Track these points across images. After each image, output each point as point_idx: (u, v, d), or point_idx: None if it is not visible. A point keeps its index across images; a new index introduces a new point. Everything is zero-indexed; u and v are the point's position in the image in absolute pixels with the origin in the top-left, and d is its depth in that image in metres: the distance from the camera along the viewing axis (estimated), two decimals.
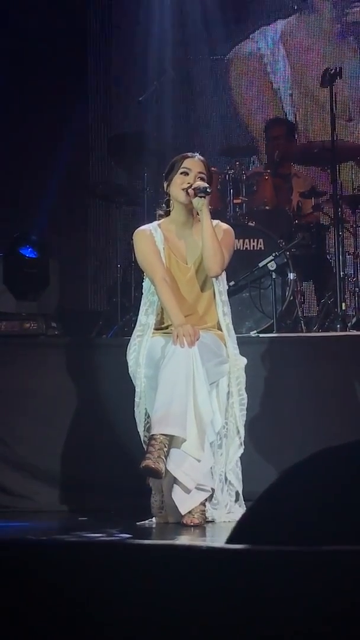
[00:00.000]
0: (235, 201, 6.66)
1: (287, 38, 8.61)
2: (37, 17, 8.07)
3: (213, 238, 4.56)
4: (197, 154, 4.73)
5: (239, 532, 1.47)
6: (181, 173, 4.62)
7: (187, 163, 4.64)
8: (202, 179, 4.61)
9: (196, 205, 4.57)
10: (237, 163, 6.85)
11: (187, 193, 4.57)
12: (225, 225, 4.76)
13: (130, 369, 4.57)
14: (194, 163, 4.65)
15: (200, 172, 4.62)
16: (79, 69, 8.65)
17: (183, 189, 4.59)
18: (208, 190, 4.55)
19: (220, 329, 4.62)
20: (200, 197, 4.53)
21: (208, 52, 8.46)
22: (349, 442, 1.48)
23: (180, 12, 8.41)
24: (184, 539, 4.07)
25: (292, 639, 1.24)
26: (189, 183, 4.59)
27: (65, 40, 8.40)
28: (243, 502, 4.56)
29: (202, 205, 4.54)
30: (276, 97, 8.64)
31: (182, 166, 4.63)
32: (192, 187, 4.56)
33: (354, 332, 5.82)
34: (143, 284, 4.75)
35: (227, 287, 4.77)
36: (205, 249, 4.57)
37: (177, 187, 4.61)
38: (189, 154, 4.73)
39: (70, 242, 8.22)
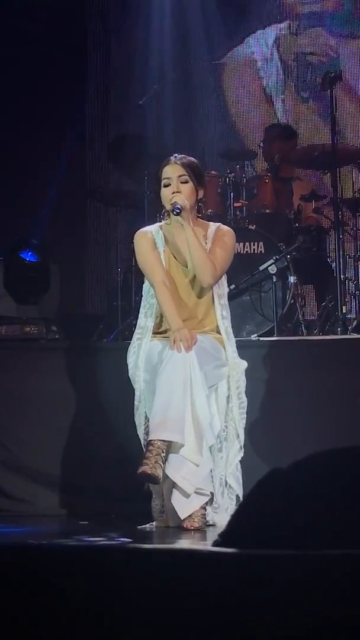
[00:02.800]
0: (235, 204, 6.66)
1: (281, 42, 8.61)
2: (37, 20, 8.07)
3: (198, 250, 4.51)
4: (177, 156, 4.62)
5: (225, 536, 1.47)
6: (164, 186, 4.58)
7: (165, 172, 4.57)
8: (185, 181, 4.56)
9: (176, 221, 4.54)
10: (238, 166, 6.84)
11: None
12: (225, 229, 4.73)
13: (129, 372, 4.57)
14: (172, 169, 4.57)
15: (180, 176, 4.55)
16: (78, 72, 8.65)
17: (170, 204, 4.54)
18: (177, 208, 4.47)
19: (219, 332, 4.61)
20: (176, 214, 4.49)
21: (208, 56, 8.45)
22: (337, 449, 1.48)
23: (180, 16, 8.41)
24: (184, 543, 4.07)
25: None
26: (173, 193, 4.54)
27: (64, 44, 8.40)
28: None
29: (181, 220, 4.51)
30: (269, 102, 8.63)
31: (162, 177, 4.58)
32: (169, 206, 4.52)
33: (355, 336, 5.81)
34: (143, 286, 4.74)
35: (227, 291, 4.75)
36: (193, 262, 4.54)
37: (165, 200, 4.57)
38: (170, 158, 4.62)
39: (71, 246, 8.22)
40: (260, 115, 8.56)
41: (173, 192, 4.53)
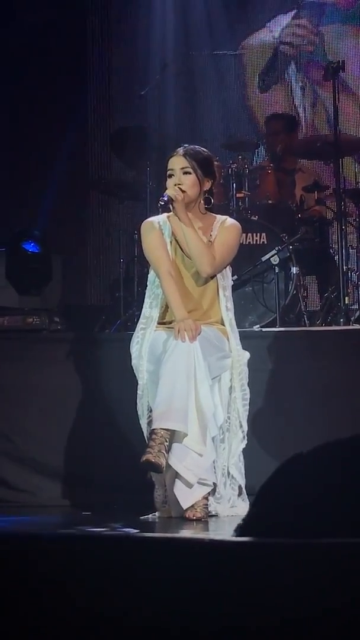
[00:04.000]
0: (238, 195, 6.65)
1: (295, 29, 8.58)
2: (37, 11, 8.05)
3: (194, 239, 4.51)
4: (183, 147, 4.61)
5: (244, 527, 1.47)
6: (168, 176, 4.59)
7: (170, 163, 4.59)
8: (187, 172, 4.54)
9: (169, 213, 4.54)
10: (240, 157, 6.83)
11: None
12: (230, 222, 4.71)
13: (133, 362, 4.57)
14: (176, 161, 4.58)
15: (183, 168, 4.55)
16: (80, 62, 8.63)
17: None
18: (163, 200, 4.47)
19: (223, 324, 4.61)
20: (164, 207, 4.47)
21: (210, 46, 8.43)
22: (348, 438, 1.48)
23: (182, 6, 8.39)
24: (186, 533, 4.07)
25: (291, 630, 1.23)
26: (175, 185, 4.53)
27: (65, 34, 8.38)
28: (246, 496, 4.56)
29: (176, 212, 4.51)
30: (287, 90, 8.62)
31: (168, 168, 4.60)
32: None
33: (357, 326, 5.80)
34: (148, 276, 4.73)
35: (231, 283, 4.75)
36: (190, 251, 4.54)
37: (170, 190, 4.57)
38: (178, 149, 4.62)
39: (73, 237, 8.22)
40: (277, 103, 8.54)
41: (175, 184, 4.53)
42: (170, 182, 4.56)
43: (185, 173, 4.55)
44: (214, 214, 4.74)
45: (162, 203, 4.47)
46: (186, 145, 4.66)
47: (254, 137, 7.85)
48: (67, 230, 8.01)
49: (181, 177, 4.54)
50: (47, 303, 6.18)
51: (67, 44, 8.42)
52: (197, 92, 8.54)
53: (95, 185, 8.00)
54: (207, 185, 4.63)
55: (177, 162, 4.57)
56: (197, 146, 4.69)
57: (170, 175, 4.57)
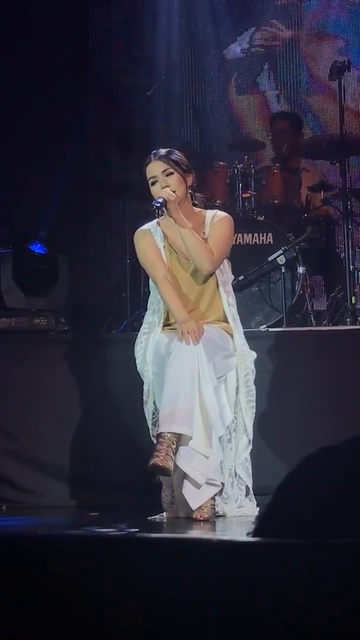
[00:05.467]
0: (244, 195, 6.64)
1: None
2: (39, 9, 8.05)
3: (191, 238, 4.51)
4: (155, 152, 4.58)
5: (261, 526, 1.46)
6: (152, 184, 4.58)
7: (150, 171, 4.57)
8: (169, 173, 4.53)
9: (163, 217, 4.52)
10: (246, 157, 6.83)
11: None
12: (221, 214, 4.70)
13: (137, 367, 4.57)
14: (154, 167, 4.57)
15: (164, 171, 4.54)
16: (85, 63, 8.63)
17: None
18: (158, 203, 4.45)
19: (226, 320, 4.61)
20: (158, 209, 4.45)
21: (216, 46, 8.43)
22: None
23: (188, 5, 8.39)
24: (194, 534, 4.07)
25: (295, 631, 1.23)
26: (162, 189, 4.50)
27: (69, 34, 8.38)
28: (253, 496, 4.56)
29: (169, 214, 4.49)
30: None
31: (149, 177, 4.58)
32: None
33: None
34: (150, 282, 4.74)
35: (231, 278, 4.74)
36: (189, 251, 4.54)
37: (162, 193, 4.53)
38: (150, 156, 4.59)
39: (79, 238, 8.21)
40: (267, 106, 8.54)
41: (162, 188, 4.53)
42: (156, 189, 4.54)
43: (168, 174, 4.55)
44: (202, 210, 4.73)
45: (158, 205, 4.47)
46: (154, 150, 4.65)
47: (260, 137, 7.84)
48: (73, 231, 8.01)
49: (166, 179, 4.54)
50: (54, 304, 6.18)
51: (73, 44, 8.42)
52: (203, 92, 8.53)
53: (101, 186, 8.00)
54: (190, 180, 4.62)
55: (157, 167, 4.56)
56: (162, 149, 4.66)
57: (154, 183, 4.56)
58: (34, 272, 6.21)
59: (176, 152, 4.66)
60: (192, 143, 8.07)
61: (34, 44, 8.09)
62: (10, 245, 6.37)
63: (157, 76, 7.76)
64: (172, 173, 4.55)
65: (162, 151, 4.62)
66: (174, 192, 4.51)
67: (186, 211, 4.59)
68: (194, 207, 4.68)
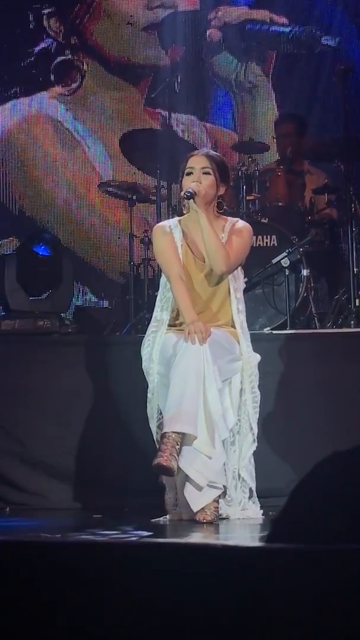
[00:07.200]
0: (248, 198, 6.64)
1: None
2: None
3: (212, 237, 4.54)
4: (204, 149, 4.73)
5: (275, 532, 1.46)
6: (187, 174, 4.63)
7: (191, 162, 4.64)
8: (207, 173, 4.59)
9: (191, 207, 4.57)
10: (250, 159, 6.83)
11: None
12: (241, 224, 4.75)
13: (143, 364, 4.58)
14: (197, 159, 4.64)
15: (203, 167, 4.60)
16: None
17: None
18: (189, 192, 4.51)
19: (234, 326, 4.62)
20: (187, 198, 4.52)
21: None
22: None
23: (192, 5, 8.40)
24: (197, 536, 4.07)
25: (297, 637, 1.23)
26: (193, 182, 4.57)
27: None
28: (257, 499, 4.56)
29: (196, 207, 4.54)
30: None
31: (187, 167, 4.64)
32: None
33: None
34: (160, 279, 4.76)
35: (243, 286, 4.77)
36: (207, 249, 4.57)
37: (193, 184, 4.60)
38: (196, 151, 4.72)
39: (83, 240, 8.22)
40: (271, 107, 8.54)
41: (193, 181, 4.56)
42: (188, 180, 4.60)
43: (205, 173, 4.60)
44: (224, 217, 4.76)
45: (188, 194, 4.50)
46: (206, 148, 4.73)
47: (264, 139, 7.83)
48: (77, 233, 8.01)
49: (200, 176, 4.59)
50: (58, 306, 6.19)
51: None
52: (208, 94, 8.54)
53: (106, 188, 8.00)
54: (222, 190, 4.66)
55: (198, 161, 4.62)
56: (213, 151, 4.76)
57: (189, 174, 4.61)
58: (38, 274, 6.21)
59: (224, 160, 4.76)
60: (196, 145, 8.07)
61: (35, 44, 8.10)
62: (15, 247, 6.37)
63: (162, 77, 7.76)
64: (209, 173, 4.60)
65: (212, 152, 4.74)
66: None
67: (208, 215, 4.61)
68: (217, 214, 4.70)
